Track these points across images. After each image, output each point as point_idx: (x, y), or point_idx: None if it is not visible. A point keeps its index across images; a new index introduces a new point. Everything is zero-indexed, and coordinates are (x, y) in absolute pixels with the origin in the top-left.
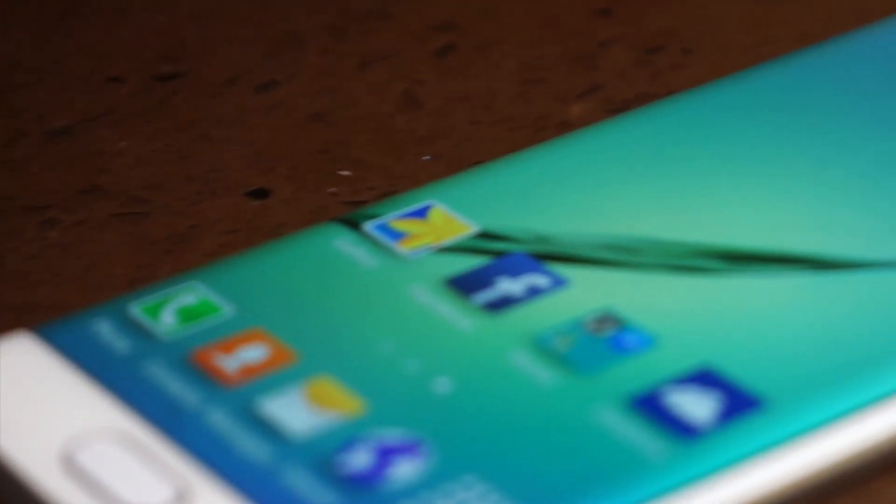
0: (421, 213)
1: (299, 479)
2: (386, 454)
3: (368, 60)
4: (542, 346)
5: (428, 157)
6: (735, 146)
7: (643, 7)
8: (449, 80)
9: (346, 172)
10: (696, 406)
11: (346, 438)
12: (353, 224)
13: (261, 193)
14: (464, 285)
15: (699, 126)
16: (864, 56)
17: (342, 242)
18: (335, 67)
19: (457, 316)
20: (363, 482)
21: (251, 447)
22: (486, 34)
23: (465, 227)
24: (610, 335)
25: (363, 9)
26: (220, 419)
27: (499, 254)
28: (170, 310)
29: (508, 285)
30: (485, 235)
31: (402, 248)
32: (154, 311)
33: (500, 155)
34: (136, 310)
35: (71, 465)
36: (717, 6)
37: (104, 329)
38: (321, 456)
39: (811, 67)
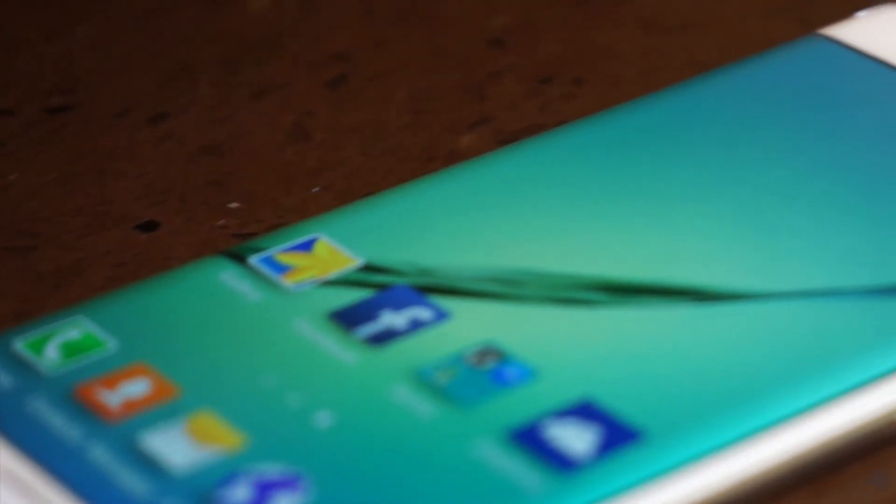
0: (306, 247)
1: None
2: (265, 489)
3: (260, 91)
4: (423, 380)
5: (317, 189)
6: (621, 177)
7: (535, 37)
8: (340, 111)
9: (235, 205)
10: (575, 439)
11: (225, 473)
12: (239, 257)
13: (150, 226)
14: (347, 318)
15: (586, 157)
16: (753, 85)
17: (227, 276)
18: (227, 99)
19: (339, 349)
20: None
21: (132, 483)
22: (378, 65)
23: (349, 260)
24: (491, 368)
25: (256, 39)
26: (102, 455)
27: (382, 287)
28: (53, 345)
29: (391, 318)
30: (369, 268)
31: (287, 281)
32: (38, 347)
33: (389, 186)
34: (20, 345)
35: None
36: (608, 36)
37: None
38: (201, 491)
39: (700, 97)
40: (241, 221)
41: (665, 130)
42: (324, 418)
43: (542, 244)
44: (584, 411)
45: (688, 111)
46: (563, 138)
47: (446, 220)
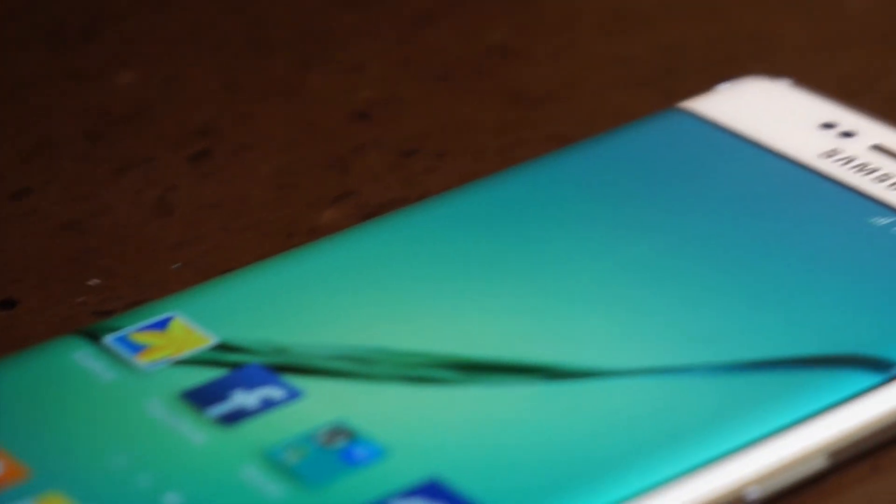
0: (161, 325)
1: None
2: None
3: (124, 166)
4: (273, 460)
5: (178, 266)
6: (476, 253)
7: (400, 110)
8: (203, 186)
9: (95, 281)
10: None
11: None
12: (94, 336)
13: (7, 304)
14: (198, 398)
15: (443, 233)
16: (611, 159)
17: (81, 356)
18: (90, 174)
19: (191, 430)
20: None
21: None
22: (242, 139)
23: (203, 339)
24: (341, 447)
25: (121, 113)
26: None
27: (236, 366)
28: None
29: (243, 398)
30: (223, 347)
31: (141, 361)
32: None
33: (249, 262)
34: None
35: None
36: (471, 109)
37: None
38: None
39: (560, 171)
40: (100, 298)
41: (522, 205)
42: (173, 499)
43: (395, 322)
44: (431, 491)
45: (546, 185)
46: (420, 214)
47: (301, 298)
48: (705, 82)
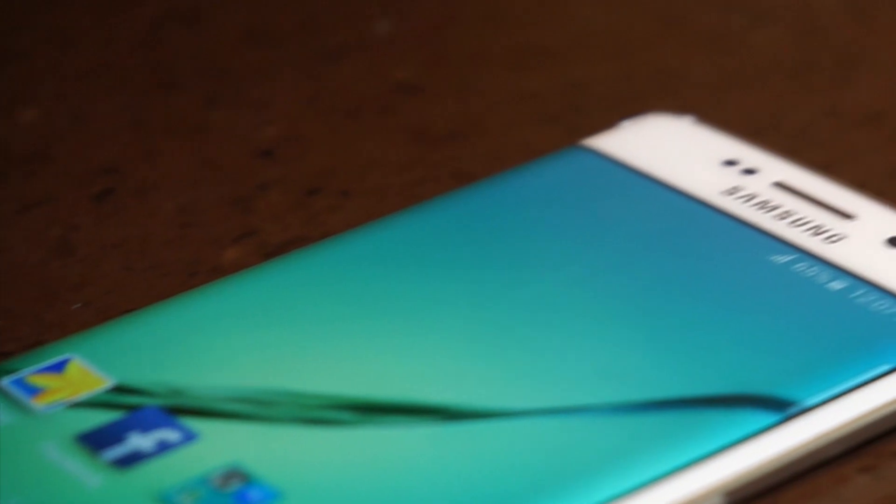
0: (58, 368)
1: None
2: None
3: (26, 205)
4: (167, 503)
5: (78, 306)
6: (375, 293)
7: (304, 149)
8: (105, 226)
9: None
10: None
11: None
12: None
13: None
14: (94, 441)
15: (343, 273)
16: (514, 197)
17: None
18: None
19: (86, 473)
20: None
21: None
22: (146, 177)
23: (101, 382)
24: (235, 490)
25: (24, 152)
26: None
27: (132, 408)
28: None
29: (138, 441)
30: (120, 389)
31: (37, 403)
32: None
33: (149, 303)
34: None
35: None
36: (376, 147)
37: None
38: None
39: (462, 209)
40: None
41: (422, 244)
42: None
43: (293, 363)
44: None
45: (447, 224)
46: (321, 254)
47: (199, 339)
48: (611, 119)
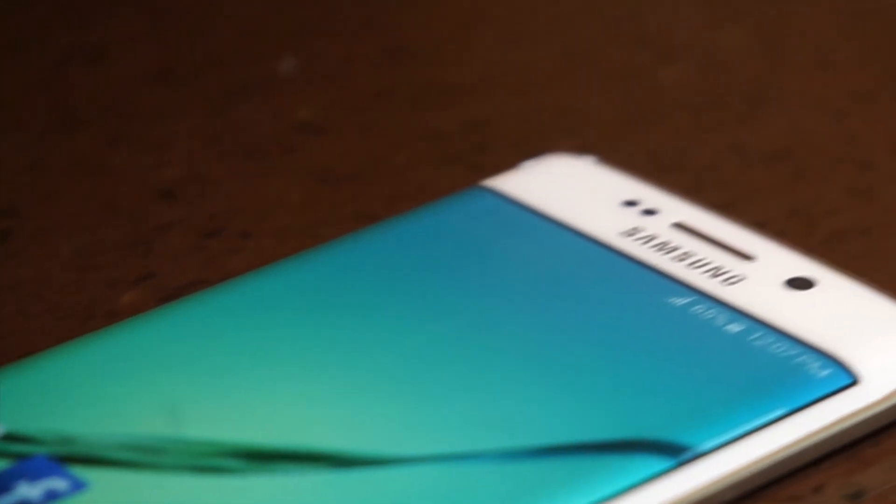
0: None
1: None
2: None
3: None
4: None
5: None
6: (268, 338)
7: (205, 190)
8: (2, 269)
9: None
10: None
11: None
12: None
13: None
14: None
15: (236, 318)
16: (412, 239)
17: None
18: None
19: None
20: None
21: None
22: (44, 219)
23: None
24: None
25: None
26: None
27: (21, 457)
28: None
29: (26, 490)
30: (9, 437)
31: None
32: None
33: (45, 347)
34: None
35: None
36: (278, 187)
37: None
38: None
39: (361, 251)
40: None
41: (319, 287)
42: None
43: (184, 410)
44: None
45: (344, 266)
46: (217, 297)
47: (91, 385)
48: (515, 157)
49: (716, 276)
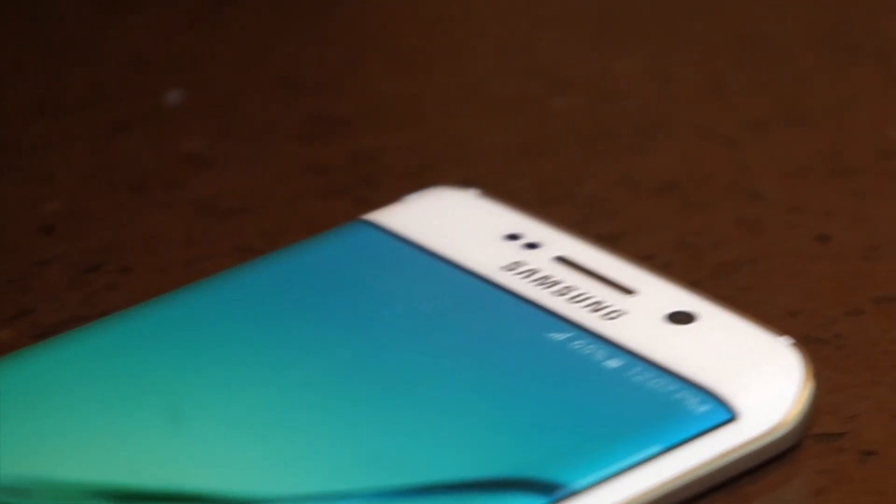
0: None
1: None
2: None
3: None
4: None
5: None
6: (140, 376)
7: (86, 224)
8: None
9: None
10: None
11: None
12: None
13: None
14: None
15: (110, 355)
16: (291, 274)
17: None
18: None
19: None
20: None
21: None
22: None
23: None
24: None
25: None
26: None
27: None
28: None
29: None
30: None
31: None
32: None
33: None
34: None
35: None
36: (160, 221)
37: None
38: None
39: (239, 287)
40: None
41: (195, 324)
42: None
43: (52, 450)
44: None
45: (220, 303)
46: (91, 335)
47: None
48: (402, 190)
49: (596, 310)
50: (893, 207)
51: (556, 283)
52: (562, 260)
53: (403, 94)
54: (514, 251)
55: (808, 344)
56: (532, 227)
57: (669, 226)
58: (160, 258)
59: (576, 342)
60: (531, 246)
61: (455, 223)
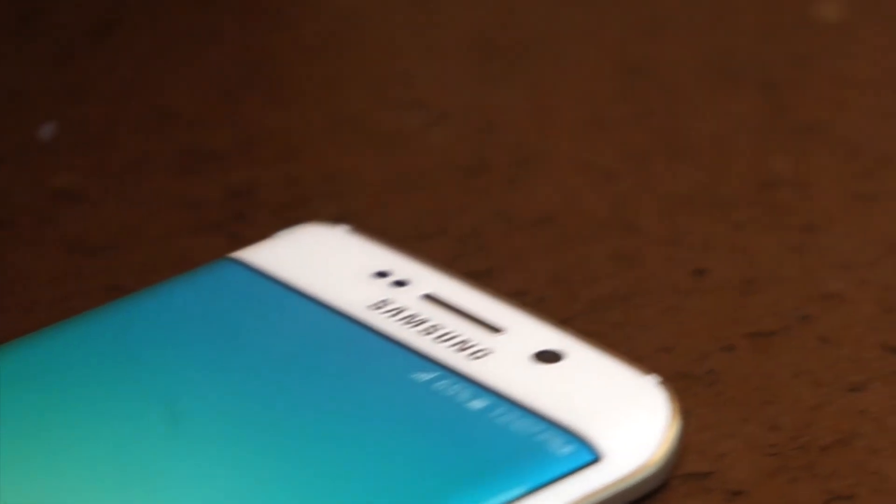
0: None
1: None
2: None
3: None
4: None
5: None
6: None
7: None
8: None
9: None
10: None
11: None
12: None
13: None
14: None
15: None
16: (157, 314)
17: None
18: None
19: None
20: None
21: None
22: None
23: None
24: None
25: None
26: None
27: None
28: None
29: None
30: None
31: None
32: None
33: None
34: None
35: None
36: (27, 259)
37: None
38: None
39: (105, 326)
40: None
41: (58, 365)
42: None
43: None
44: None
45: (83, 343)
46: None
47: None
48: (277, 226)
49: (463, 349)
50: (771, 239)
51: (423, 321)
52: (430, 298)
53: (280, 127)
54: (382, 289)
55: (680, 380)
56: (402, 265)
57: (544, 261)
58: (27, 297)
59: (440, 382)
60: (400, 284)
61: (324, 261)
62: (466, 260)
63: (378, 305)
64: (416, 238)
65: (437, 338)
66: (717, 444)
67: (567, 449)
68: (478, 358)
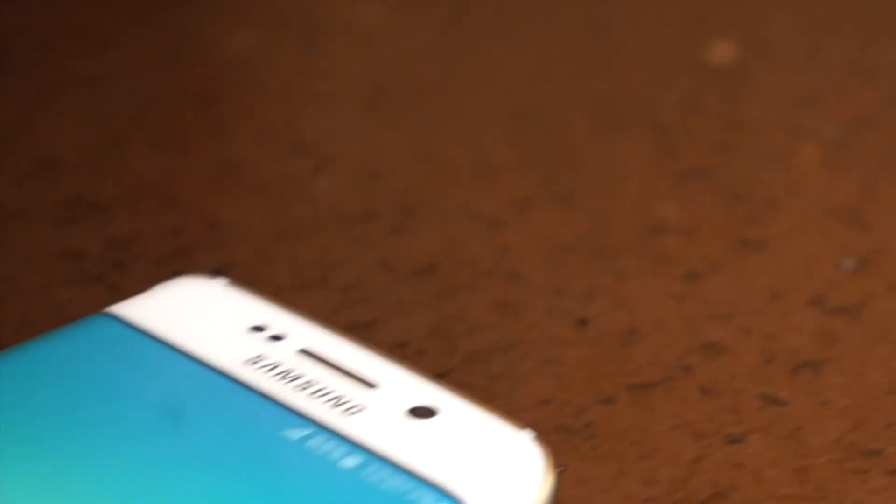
0: None
1: None
2: None
3: None
4: None
5: None
6: None
7: None
8: None
9: None
10: None
11: None
12: None
13: None
14: None
15: None
16: (32, 369)
17: None
18: None
19: None
20: None
21: None
22: None
23: None
24: None
25: None
26: None
27: None
28: None
29: None
30: None
31: None
32: None
33: None
34: None
35: None
36: None
37: None
38: None
39: None
40: None
41: None
42: None
43: None
44: None
45: None
46: None
47: None
48: (156, 277)
49: (337, 405)
50: (654, 288)
51: (298, 376)
52: (306, 352)
53: (163, 175)
54: (258, 344)
55: (558, 434)
56: (279, 318)
57: (425, 311)
58: None
59: (314, 439)
60: (276, 338)
61: (200, 315)
62: (348, 311)
63: (254, 360)
64: (299, 288)
65: (312, 393)
66: (592, 499)
67: None
68: (352, 414)
